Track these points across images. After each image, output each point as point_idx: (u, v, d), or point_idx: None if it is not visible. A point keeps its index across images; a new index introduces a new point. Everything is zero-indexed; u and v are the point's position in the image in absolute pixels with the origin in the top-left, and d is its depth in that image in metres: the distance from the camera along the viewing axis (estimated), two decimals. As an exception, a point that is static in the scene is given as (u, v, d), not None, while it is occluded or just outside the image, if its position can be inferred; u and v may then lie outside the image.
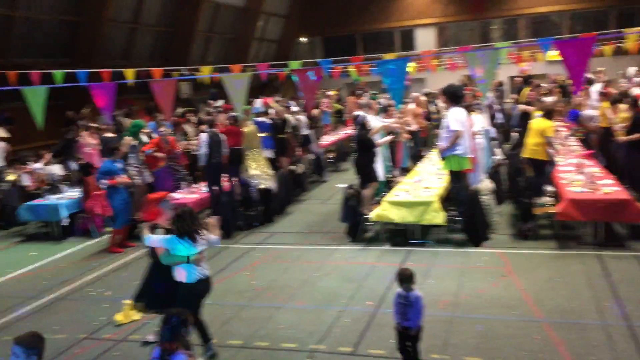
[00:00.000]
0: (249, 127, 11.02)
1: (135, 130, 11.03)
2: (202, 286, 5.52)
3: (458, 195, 8.82)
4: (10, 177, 12.48)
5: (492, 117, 13.95)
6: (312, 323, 6.34)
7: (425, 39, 26.64)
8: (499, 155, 11.33)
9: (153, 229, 5.81)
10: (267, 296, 7.25)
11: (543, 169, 9.34)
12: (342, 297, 7.00)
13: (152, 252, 5.86)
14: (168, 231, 5.65)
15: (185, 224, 5.40)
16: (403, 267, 5.13)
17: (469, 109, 9.88)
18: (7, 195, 11.90)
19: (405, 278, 4.98)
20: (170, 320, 4.02)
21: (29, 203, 10.95)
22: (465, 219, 8.68)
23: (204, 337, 5.68)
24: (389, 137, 10.89)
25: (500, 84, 19.53)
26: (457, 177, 8.80)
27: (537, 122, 9.57)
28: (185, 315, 4.10)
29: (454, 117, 8.64)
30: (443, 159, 8.92)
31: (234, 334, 6.19)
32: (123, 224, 9.72)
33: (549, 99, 10.25)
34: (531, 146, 9.35)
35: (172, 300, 5.33)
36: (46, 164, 12.90)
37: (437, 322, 6.10)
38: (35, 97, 6.13)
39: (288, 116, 13.36)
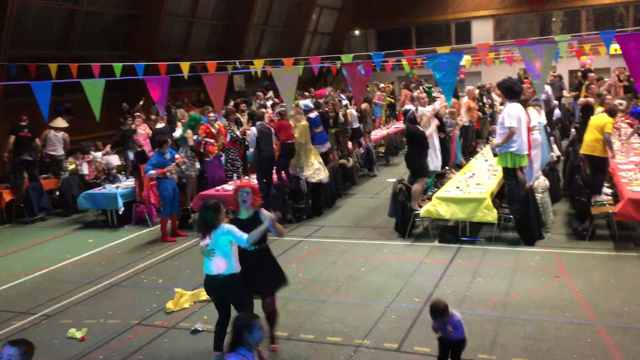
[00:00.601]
0: (303, 122, 11.04)
1: (194, 123, 11.20)
2: (206, 282, 5.39)
3: (512, 192, 8.61)
4: (70, 166, 12.98)
5: (550, 113, 13.52)
6: (357, 318, 6.33)
7: (482, 32, 26.08)
8: (556, 151, 10.98)
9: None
10: (313, 289, 7.28)
11: (601, 167, 9.00)
12: (389, 292, 6.95)
13: None
14: (231, 221, 5.51)
15: (198, 218, 5.28)
16: (434, 300, 4.80)
17: (526, 104, 9.61)
18: (66, 184, 12.38)
19: (439, 312, 4.62)
20: (233, 324, 3.85)
21: (89, 192, 11.33)
22: (518, 217, 8.47)
23: (215, 343, 5.43)
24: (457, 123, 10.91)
25: (560, 78, 18.91)
26: (511, 175, 8.59)
27: (597, 118, 9.24)
28: (248, 319, 3.86)
29: (509, 113, 8.43)
30: (496, 155, 8.74)
31: (280, 325, 6.21)
32: (170, 213, 9.92)
33: (617, 101, 9.83)
34: (589, 142, 9.02)
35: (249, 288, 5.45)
36: (105, 154, 13.35)
37: (486, 322, 5.98)
38: (94, 90, 6.29)
39: (340, 110, 13.33)
